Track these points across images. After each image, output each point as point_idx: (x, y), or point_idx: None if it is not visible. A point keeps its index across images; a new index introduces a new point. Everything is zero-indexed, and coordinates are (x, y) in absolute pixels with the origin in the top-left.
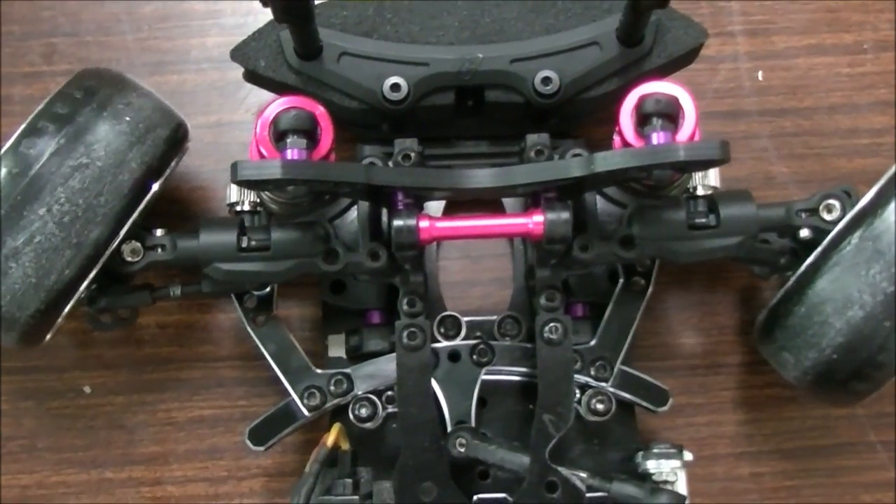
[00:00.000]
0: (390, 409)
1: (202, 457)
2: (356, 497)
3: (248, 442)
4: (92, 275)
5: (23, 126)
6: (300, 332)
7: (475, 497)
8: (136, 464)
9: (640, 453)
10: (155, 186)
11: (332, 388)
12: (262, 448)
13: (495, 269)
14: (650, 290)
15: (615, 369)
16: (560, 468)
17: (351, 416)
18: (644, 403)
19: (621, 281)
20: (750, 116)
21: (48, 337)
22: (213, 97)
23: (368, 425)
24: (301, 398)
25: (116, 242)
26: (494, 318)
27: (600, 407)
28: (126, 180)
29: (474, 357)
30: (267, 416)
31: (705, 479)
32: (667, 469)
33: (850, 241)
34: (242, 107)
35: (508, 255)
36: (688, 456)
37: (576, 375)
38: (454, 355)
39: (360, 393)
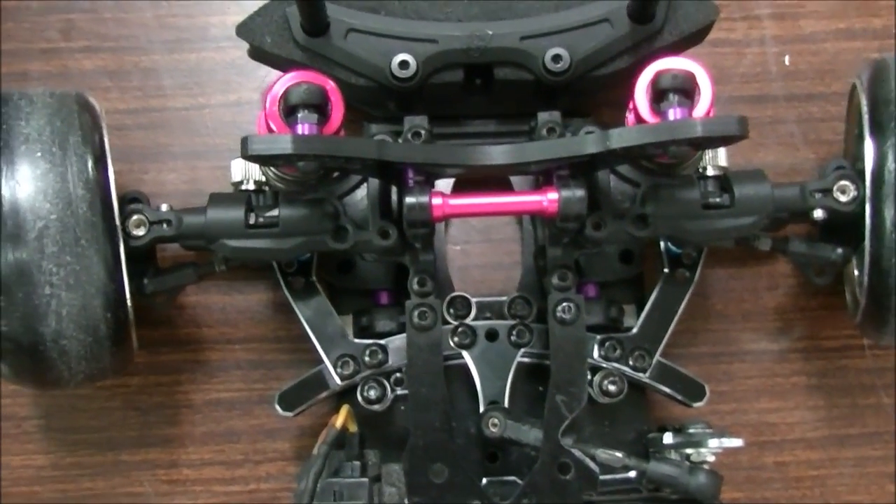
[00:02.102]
0: (399, 391)
1: (218, 440)
2: (365, 479)
3: (278, 406)
4: (127, 290)
5: None
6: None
7: (484, 480)
8: (151, 446)
9: (670, 434)
10: (110, 176)
11: (366, 358)
12: (290, 413)
13: (503, 251)
14: (695, 281)
15: (654, 360)
16: (598, 449)
17: (359, 397)
18: (679, 397)
19: (665, 271)
20: (777, 101)
21: (135, 345)
22: (231, 76)
23: (376, 407)
24: (334, 366)
25: (122, 250)
26: (504, 299)
27: (612, 388)
28: (86, 209)
29: (512, 337)
30: (298, 381)
31: (729, 468)
32: (733, 445)
33: (889, 169)
34: (262, 86)
35: (517, 238)
36: (738, 442)
37: (614, 364)
38: (492, 334)
39: (394, 365)
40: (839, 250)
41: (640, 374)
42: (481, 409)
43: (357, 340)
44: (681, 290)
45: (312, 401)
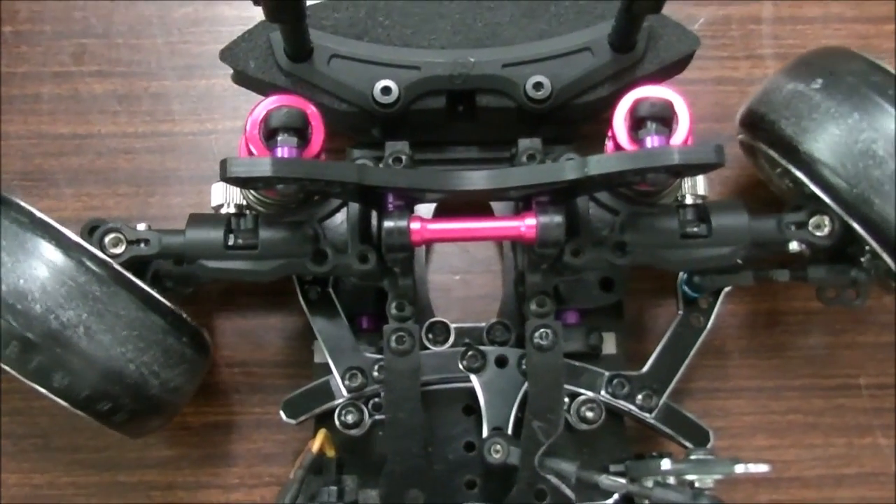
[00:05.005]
0: (377, 416)
1: (215, 462)
2: None
3: (282, 413)
4: (183, 313)
5: None
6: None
7: None
8: (148, 467)
9: (668, 460)
10: (74, 237)
11: (375, 373)
12: (294, 421)
13: (483, 278)
14: (708, 327)
15: (661, 402)
16: (602, 475)
17: (337, 422)
18: (684, 441)
19: (680, 314)
20: None
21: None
22: (240, 102)
23: (354, 432)
24: (342, 378)
25: (146, 286)
26: (483, 324)
27: (590, 415)
28: (97, 285)
29: (522, 366)
30: (305, 389)
31: None
32: (760, 470)
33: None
34: None
35: (497, 267)
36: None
37: (620, 402)
38: (501, 361)
39: None
40: (859, 266)
41: (646, 415)
42: (484, 435)
43: (368, 354)
44: (693, 334)
45: (317, 410)
